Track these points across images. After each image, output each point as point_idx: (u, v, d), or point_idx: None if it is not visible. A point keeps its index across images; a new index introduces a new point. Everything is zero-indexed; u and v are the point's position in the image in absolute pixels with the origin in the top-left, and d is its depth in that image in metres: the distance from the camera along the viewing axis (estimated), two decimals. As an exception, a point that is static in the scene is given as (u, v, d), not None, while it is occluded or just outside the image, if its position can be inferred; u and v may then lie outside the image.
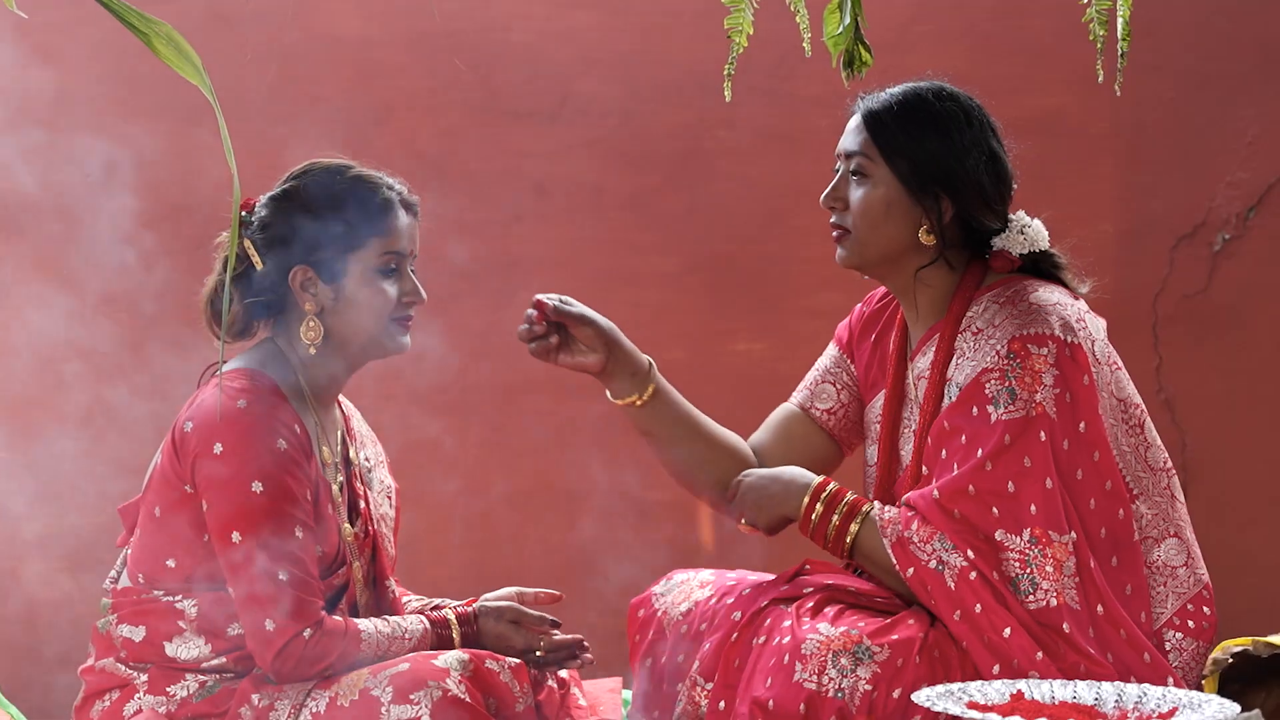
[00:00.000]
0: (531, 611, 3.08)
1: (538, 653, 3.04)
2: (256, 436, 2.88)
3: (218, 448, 2.88)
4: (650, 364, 3.15)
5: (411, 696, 2.84)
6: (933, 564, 2.91)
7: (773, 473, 3.10)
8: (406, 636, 2.98)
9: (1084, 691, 2.59)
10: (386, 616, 3.00)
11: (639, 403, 3.14)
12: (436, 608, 3.16)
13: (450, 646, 3.00)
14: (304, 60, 4.24)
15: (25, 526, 4.26)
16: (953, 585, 2.89)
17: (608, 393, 3.16)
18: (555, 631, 3.07)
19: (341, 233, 2.98)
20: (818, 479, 3.06)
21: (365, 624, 2.94)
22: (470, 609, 3.07)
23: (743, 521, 3.11)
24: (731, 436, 3.24)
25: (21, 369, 4.27)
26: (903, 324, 3.14)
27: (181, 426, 2.93)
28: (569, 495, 4.20)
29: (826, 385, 3.26)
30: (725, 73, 2.69)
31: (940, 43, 4.32)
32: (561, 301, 3.10)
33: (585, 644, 3.08)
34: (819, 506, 3.03)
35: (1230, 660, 3.23)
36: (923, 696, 2.54)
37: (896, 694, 2.86)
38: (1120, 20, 2.60)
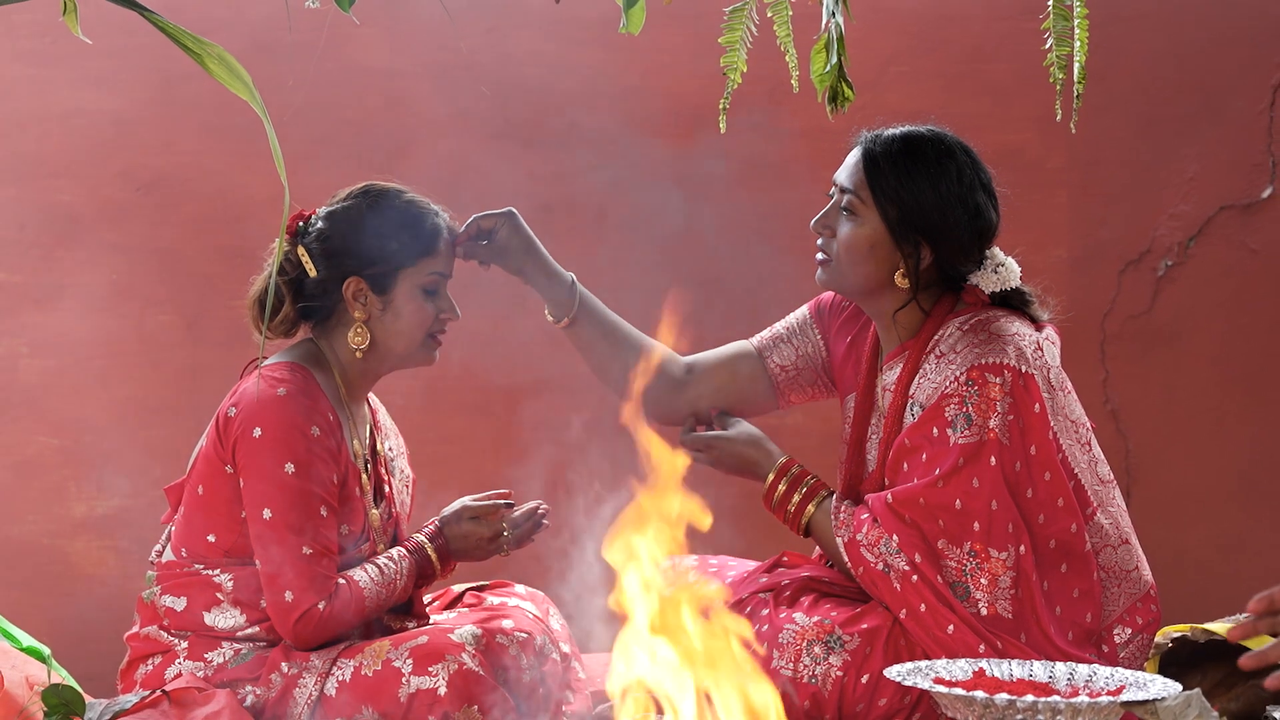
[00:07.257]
0: (482, 502, 3.12)
1: (504, 533, 3.09)
2: (293, 423, 2.89)
3: (257, 431, 2.89)
4: (571, 284, 3.15)
5: (430, 669, 2.85)
6: (879, 566, 2.92)
7: (755, 437, 3.10)
8: (396, 575, 3.00)
9: (1039, 670, 2.60)
10: (373, 560, 3.00)
11: (561, 325, 3.17)
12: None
13: (429, 565, 3.06)
14: (336, 88, 4.24)
15: (73, 507, 4.25)
16: (898, 587, 2.90)
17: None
18: (515, 509, 3.12)
19: (395, 250, 2.99)
20: (784, 457, 3.07)
21: (360, 576, 2.95)
22: (434, 526, 3.10)
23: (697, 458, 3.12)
24: (654, 344, 3.22)
25: (73, 363, 4.26)
26: (875, 333, 3.12)
27: (225, 412, 2.95)
28: (570, 489, 4.20)
29: (788, 346, 3.22)
30: (720, 106, 2.68)
31: (915, 82, 4.33)
32: (479, 233, 3.10)
33: (541, 507, 3.13)
34: (782, 485, 3.05)
35: (1170, 645, 3.25)
36: (894, 672, 2.55)
37: (865, 679, 2.88)
38: (1077, 66, 2.61)
